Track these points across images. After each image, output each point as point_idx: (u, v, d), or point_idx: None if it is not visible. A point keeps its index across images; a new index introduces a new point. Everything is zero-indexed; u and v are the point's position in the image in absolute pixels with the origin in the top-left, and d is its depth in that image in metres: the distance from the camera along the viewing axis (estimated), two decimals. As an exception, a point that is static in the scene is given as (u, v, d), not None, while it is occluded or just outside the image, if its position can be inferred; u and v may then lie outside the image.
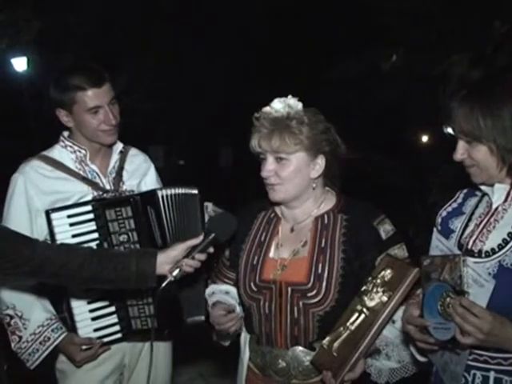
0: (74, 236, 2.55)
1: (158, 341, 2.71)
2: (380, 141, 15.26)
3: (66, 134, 2.78)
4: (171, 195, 2.60)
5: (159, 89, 15.76)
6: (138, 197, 2.59)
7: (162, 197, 2.58)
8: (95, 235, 2.57)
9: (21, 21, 12.46)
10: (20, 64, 14.25)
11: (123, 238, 2.54)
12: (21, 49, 13.73)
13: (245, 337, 2.45)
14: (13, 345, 2.64)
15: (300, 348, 2.27)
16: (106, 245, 2.55)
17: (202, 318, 2.66)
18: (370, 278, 2.17)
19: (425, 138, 18.83)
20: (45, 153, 2.76)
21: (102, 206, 2.57)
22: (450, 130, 2.01)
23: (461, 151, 1.99)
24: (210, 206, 2.69)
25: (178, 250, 2.27)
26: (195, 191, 2.66)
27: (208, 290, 2.63)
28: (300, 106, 2.29)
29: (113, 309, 2.62)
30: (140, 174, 2.90)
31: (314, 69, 14.69)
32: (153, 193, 2.60)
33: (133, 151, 2.95)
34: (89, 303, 2.60)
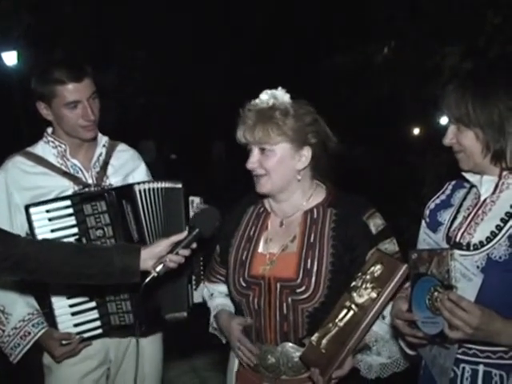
0: (52, 231, 2.54)
1: (135, 337, 2.71)
2: (371, 133, 15.27)
3: (49, 130, 2.78)
4: (150, 189, 2.60)
5: (151, 83, 15.71)
6: (112, 191, 2.58)
7: (140, 191, 2.58)
8: (74, 230, 2.56)
9: (10, 13, 12.39)
10: (10, 58, 14.17)
11: (99, 232, 2.55)
12: (11, 43, 13.66)
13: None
14: None
15: (290, 344, 2.26)
16: (84, 240, 2.55)
17: (184, 314, 2.66)
18: (359, 274, 2.15)
19: (416, 131, 18.86)
20: (29, 148, 2.77)
21: (80, 200, 2.57)
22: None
23: (450, 136, 2.00)
24: (196, 201, 2.68)
25: (161, 245, 2.26)
26: (179, 185, 2.65)
27: (205, 291, 2.62)
28: (286, 97, 2.26)
29: (93, 304, 2.61)
30: (127, 169, 2.87)
31: (306, 62, 14.67)
32: (129, 187, 2.60)
33: (121, 146, 2.93)
34: (68, 298, 2.59)
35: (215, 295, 2.56)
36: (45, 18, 13.14)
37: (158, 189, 2.61)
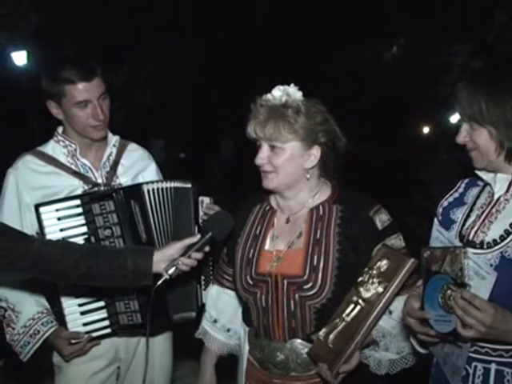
0: (62, 230, 2.54)
1: (142, 336, 2.71)
2: (380, 132, 15.25)
3: (60, 129, 2.78)
4: (159, 189, 2.60)
5: (159, 81, 15.74)
6: (121, 191, 2.58)
7: (148, 191, 2.58)
8: (83, 229, 2.56)
9: (19, 15, 12.42)
10: (20, 58, 14.21)
11: (107, 232, 2.54)
12: (20, 42, 13.69)
13: (244, 330, 2.44)
14: (7, 337, 2.67)
15: (298, 340, 2.26)
16: (93, 239, 2.55)
17: (193, 314, 2.66)
18: (366, 269, 2.16)
19: (426, 129, 18.85)
20: (39, 148, 2.78)
21: (89, 200, 2.57)
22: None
23: (463, 134, 2.00)
24: (205, 201, 2.68)
25: (174, 248, 2.25)
26: (188, 185, 2.65)
27: (209, 303, 2.61)
28: (299, 94, 2.26)
29: (102, 303, 2.61)
30: (137, 169, 2.87)
31: (314, 60, 14.66)
32: (138, 187, 2.60)
33: (132, 146, 2.93)
34: (77, 297, 2.60)
35: (218, 322, 2.58)
36: (54, 18, 13.18)
37: (166, 188, 2.61)
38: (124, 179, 2.79)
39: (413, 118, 16.04)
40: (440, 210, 2.19)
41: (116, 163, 2.81)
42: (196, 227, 2.64)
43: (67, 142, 2.74)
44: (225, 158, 10.65)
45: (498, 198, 1.99)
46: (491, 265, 1.87)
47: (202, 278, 2.71)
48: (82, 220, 2.57)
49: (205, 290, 2.71)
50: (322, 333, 2.17)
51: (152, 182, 2.64)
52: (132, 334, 2.71)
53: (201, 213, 2.68)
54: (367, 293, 2.12)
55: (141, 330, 2.62)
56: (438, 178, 8.21)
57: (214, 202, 2.74)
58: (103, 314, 2.62)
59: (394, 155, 14.14)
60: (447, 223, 2.12)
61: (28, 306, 2.64)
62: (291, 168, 2.26)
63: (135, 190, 2.59)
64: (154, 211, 2.58)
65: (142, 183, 2.64)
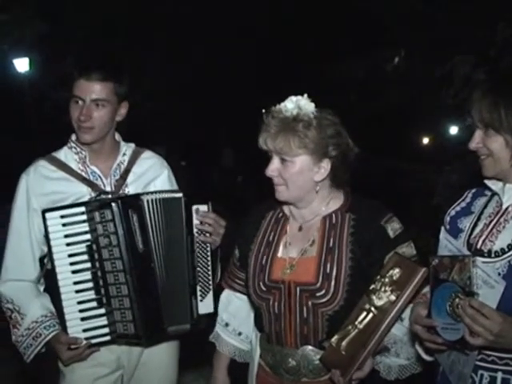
0: (66, 236, 2.57)
1: (137, 346, 2.72)
2: (381, 142, 15.26)
3: (73, 137, 2.78)
4: (157, 200, 2.62)
5: (160, 89, 15.76)
6: (119, 200, 2.59)
7: (148, 201, 2.60)
8: (87, 236, 2.59)
9: (24, 21, 12.47)
10: (22, 65, 14.25)
11: (106, 241, 2.56)
12: (23, 49, 13.73)
13: (256, 335, 2.46)
14: (13, 338, 2.69)
15: (310, 347, 2.27)
16: (94, 246, 2.58)
17: (187, 326, 2.66)
18: (378, 277, 2.17)
19: (426, 140, 18.90)
20: (53, 153, 2.79)
21: (92, 207, 2.59)
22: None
23: (477, 140, 2.00)
24: (201, 209, 2.67)
25: None
26: (178, 195, 2.67)
27: (221, 307, 2.63)
28: (311, 107, 2.24)
29: (102, 311, 2.62)
30: (149, 177, 2.86)
31: (316, 70, 14.69)
32: (136, 197, 2.62)
33: (146, 154, 2.92)
34: (79, 303, 2.61)
35: (229, 324, 2.59)
36: (58, 26, 13.22)
37: (162, 199, 2.63)
38: (134, 188, 2.78)
39: (414, 128, 16.08)
40: (447, 218, 2.20)
41: (127, 171, 2.80)
42: (189, 237, 2.66)
43: (78, 149, 2.75)
44: (226, 166, 10.68)
45: (507, 208, 2.01)
46: (499, 274, 1.88)
47: (199, 288, 2.70)
48: (86, 227, 2.59)
49: (201, 301, 2.70)
50: (334, 339, 2.18)
51: (151, 193, 2.65)
52: (128, 343, 2.70)
53: (196, 221, 2.68)
54: (380, 301, 2.13)
55: (135, 340, 2.63)
56: (439, 189, 8.21)
57: (214, 210, 2.74)
58: (103, 321, 2.62)
59: (394, 166, 14.16)
60: (455, 232, 2.13)
61: (33, 309, 2.65)
62: (301, 181, 2.27)
63: (134, 200, 2.61)
64: (153, 222, 2.60)
65: (142, 193, 2.65)
